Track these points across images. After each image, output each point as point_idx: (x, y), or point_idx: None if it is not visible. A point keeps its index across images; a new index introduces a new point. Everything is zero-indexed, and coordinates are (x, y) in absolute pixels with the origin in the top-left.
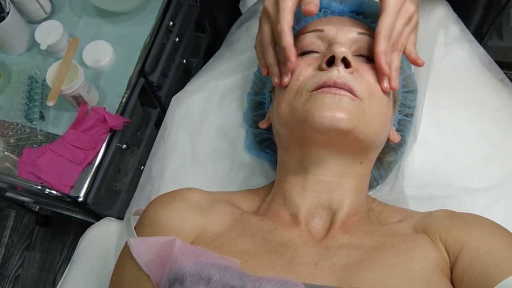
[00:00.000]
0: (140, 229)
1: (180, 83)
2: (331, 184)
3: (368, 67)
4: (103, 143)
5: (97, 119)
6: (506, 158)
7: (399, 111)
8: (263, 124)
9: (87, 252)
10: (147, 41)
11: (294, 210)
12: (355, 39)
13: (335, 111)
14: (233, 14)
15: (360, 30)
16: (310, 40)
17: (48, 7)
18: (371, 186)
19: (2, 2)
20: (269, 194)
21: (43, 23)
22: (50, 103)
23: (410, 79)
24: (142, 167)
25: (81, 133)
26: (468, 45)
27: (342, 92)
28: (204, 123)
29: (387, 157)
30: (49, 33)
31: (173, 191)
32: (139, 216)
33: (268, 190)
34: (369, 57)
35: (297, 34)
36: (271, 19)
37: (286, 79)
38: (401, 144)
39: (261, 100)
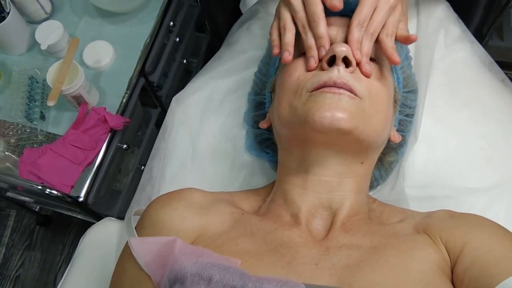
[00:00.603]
0: (140, 229)
1: (181, 83)
2: (332, 184)
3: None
4: (104, 143)
5: (97, 119)
6: (506, 158)
7: (399, 111)
8: (263, 124)
9: (87, 252)
10: (148, 41)
11: (295, 210)
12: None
13: (335, 110)
14: (234, 14)
15: None
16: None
17: (48, 7)
18: (371, 186)
19: (2, 2)
20: (270, 194)
21: (44, 23)
22: (51, 103)
23: (411, 79)
24: (143, 167)
25: (82, 133)
26: (469, 46)
27: (342, 91)
28: (204, 123)
29: (387, 157)
30: (50, 33)
31: (173, 191)
32: (139, 216)
33: (268, 190)
34: (370, 58)
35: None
36: (293, 7)
37: (313, 62)
38: (402, 144)
39: (261, 100)
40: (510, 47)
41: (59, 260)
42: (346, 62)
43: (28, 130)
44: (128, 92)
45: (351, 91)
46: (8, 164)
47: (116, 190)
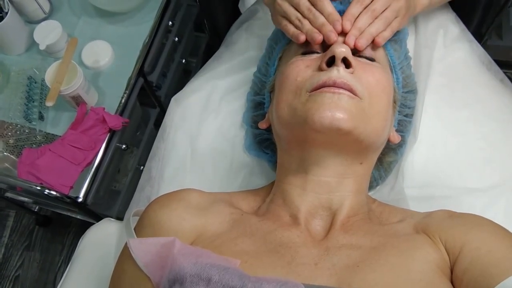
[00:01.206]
0: (139, 230)
1: (180, 83)
2: (332, 184)
3: (368, 67)
4: (103, 143)
5: (96, 119)
6: (505, 158)
7: (399, 112)
8: (262, 125)
9: (87, 253)
10: (146, 41)
11: (294, 211)
12: None
13: (335, 110)
14: (233, 14)
15: None
16: None
17: (47, 7)
18: (371, 187)
19: (1, 2)
20: (269, 195)
21: (42, 23)
22: (49, 103)
23: (410, 79)
24: (142, 167)
25: (81, 134)
26: (468, 45)
27: (342, 91)
28: (203, 123)
29: (387, 157)
30: (48, 33)
31: (172, 192)
32: (138, 217)
33: (268, 191)
34: (370, 58)
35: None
36: None
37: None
38: (401, 144)
39: (260, 101)
40: (509, 46)
41: (58, 260)
42: (346, 63)
43: (26, 131)
44: (127, 92)
45: (351, 91)
46: (7, 164)
47: (115, 191)
